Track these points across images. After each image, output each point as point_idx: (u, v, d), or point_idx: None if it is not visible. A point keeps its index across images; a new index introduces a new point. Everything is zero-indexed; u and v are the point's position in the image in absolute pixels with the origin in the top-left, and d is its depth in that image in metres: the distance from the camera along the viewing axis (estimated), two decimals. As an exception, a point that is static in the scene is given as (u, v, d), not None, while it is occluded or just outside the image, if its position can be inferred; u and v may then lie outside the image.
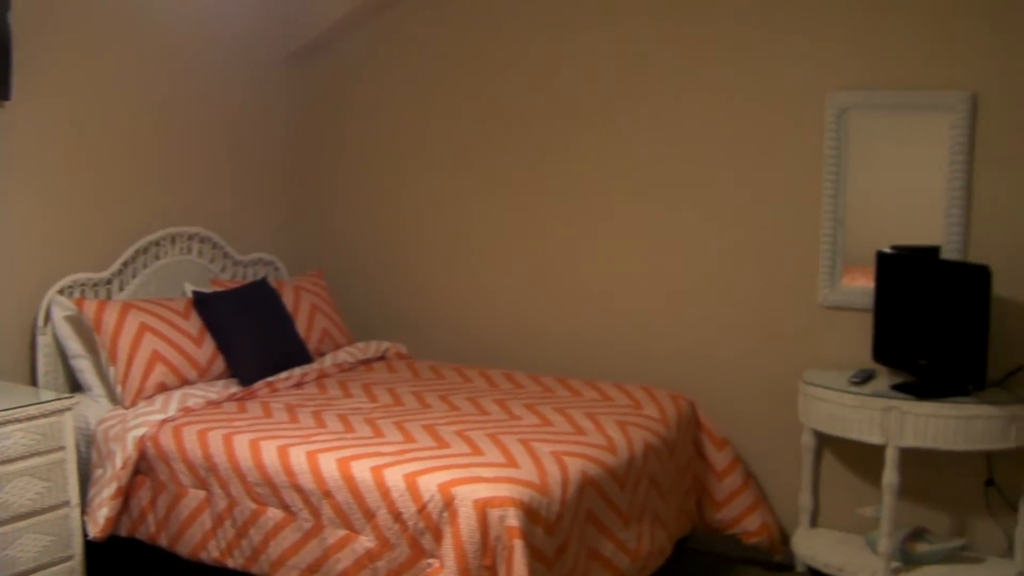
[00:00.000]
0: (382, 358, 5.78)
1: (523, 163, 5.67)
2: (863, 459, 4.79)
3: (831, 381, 4.61)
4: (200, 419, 4.55)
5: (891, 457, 4.39)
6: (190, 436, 4.40)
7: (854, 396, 4.45)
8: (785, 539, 5.00)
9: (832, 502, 4.99)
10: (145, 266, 5.45)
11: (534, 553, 3.58)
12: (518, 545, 3.51)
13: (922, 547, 4.56)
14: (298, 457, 4.06)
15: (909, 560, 4.54)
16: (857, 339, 4.78)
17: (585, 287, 5.56)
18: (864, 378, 4.58)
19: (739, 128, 5.04)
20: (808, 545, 4.83)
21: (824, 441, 4.91)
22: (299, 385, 5.15)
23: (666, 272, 5.31)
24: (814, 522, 5.02)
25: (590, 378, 5.21)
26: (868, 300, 4.71)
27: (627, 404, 4.76)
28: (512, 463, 3.90)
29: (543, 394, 4.95)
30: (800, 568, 4.93)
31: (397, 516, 3.75)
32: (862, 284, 4.80)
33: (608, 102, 5.38)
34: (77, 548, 4.49)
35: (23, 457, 4.27)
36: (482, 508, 3.58)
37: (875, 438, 4.40)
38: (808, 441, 4.87)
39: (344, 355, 5.63)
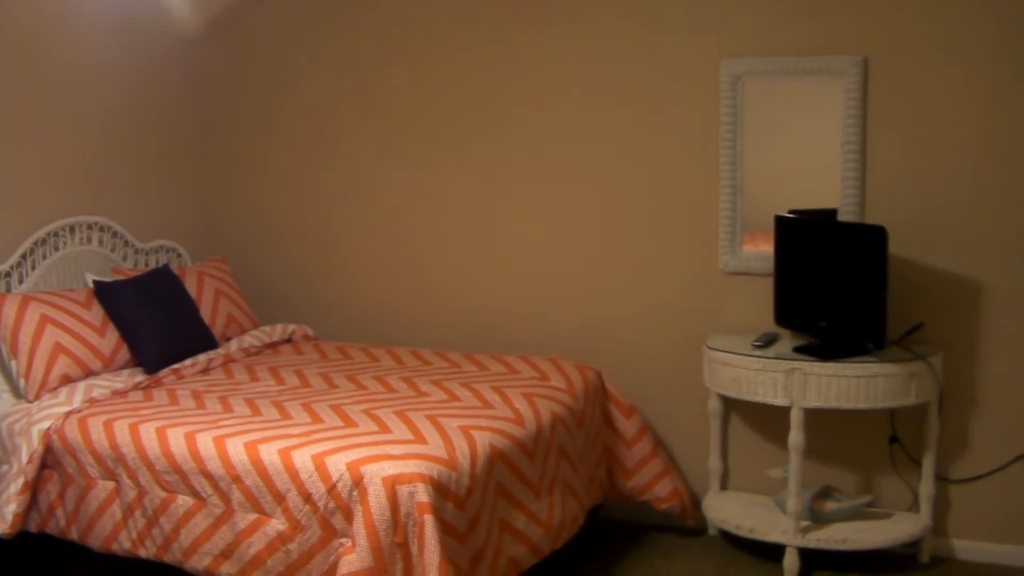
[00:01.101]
0: (289, 340, 5.76)
1: (422, 137, 5.66)
2: (769, 422, 4.86)
3: (734, 346, 4.67)
4: (106, 409, 4.49)
5: (796, 418, 4.46)
6: (96, 427, 4.35)
7: (757, 360, 4.51)
8: (696, 504, 5.07)
9: (741, 465, 5.07)
10: (44, 257, 5.35)
11: (445, 528, 3.60)
12: (429, 520, 3.53)
13: (830, 505, 4.65)
14: (205, 443, 4.03)
15: (818, 519, 4.63)
16: (759, 304, 4.85)
17: (488, 260, 5.58)
18: (767, 342, 4.64)
19: (635, 97, 5.07)
20: (719, 508, 4.89)
21: (731, 405, 4.98)
22: (205, 371, 5.11)
23: (569, 243, 5.33)
24: (724, 485, 5.10)
25: (497, 352, 5.22)
26: (769, 265, 4.78)
27: (533, 376, 4.79)
28: (420, 439, 3.91)
29: (450, 370, 4.97)
30: (712, 531, 5.02)
31: (307, 497, 3.74)
32: (763, 249, 4.86)
33: (503, 72, 5.39)
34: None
35: (-77, 455, 4.22)
36: (391, 485, 3.59)
37: (779, 400, 4.48)
38: (714, 406, 4.94)
39: (250, 339, 5.61)
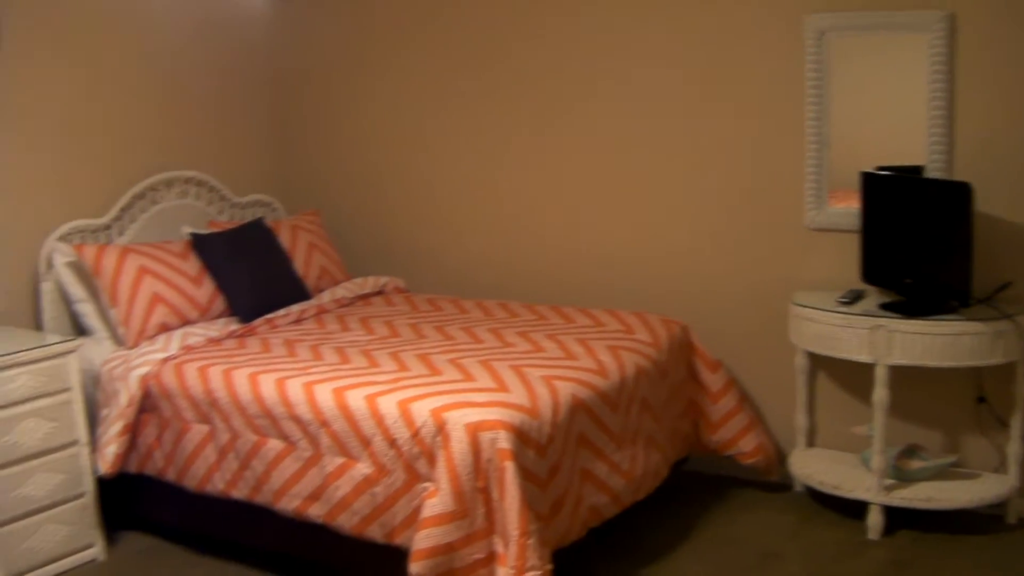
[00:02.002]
0: (381, 293, 5.86)
1: (512, 96, 5.70)
2: (857, 379, 4.82)
3: (820, 302, 4.65)
4: (201, 356, 4.64)
5: (880, 375, 4.44)
6: (191, 373, 4.49)
7: (842, 316, 4.49)
8: (782, 459, 5.07)
9: (828, 422, 5.05)
10: (143, 211, 5.54)
11: (526, 474, 3.68)
12: (509, 467, 3.60)
13: (915, 464, 4.63)
14: (295, 389, 4.15)
15: (902, 477, 4.61)
16: (846, 260, 4.81)
17: (579, 216, 5.61)
18: (853, 298, 4.62)
19: (719, 53, 5.05)
20: (804, 464, 4.89)
21: (817, 362, 4.96)
22: (298, 321, 5.23)
23: (657, 200, 5.34)
24: (811, 442, 5.08)
25: (585, 306, 5.25)
26: (855, 221, 4.74)
27: (619, 329, 4.83)
28: (503, 388, 3.98)
29: (537, 322, 5.02)
30: (797, 488, 5.02)
31: (392, 442, 3.84)
32: (849, 206, 4.83)
33: (590, 27, 5.40)
34: (88, 485, 4.62)
35: (30, 399, 4.40)
36: (473, 431, 3.67)
37: (864, 356, 4.46)
38: (801, 362, 4.93)
39: (342, 291, 5.72)
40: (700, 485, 5.16)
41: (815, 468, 4.84)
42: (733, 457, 4.97)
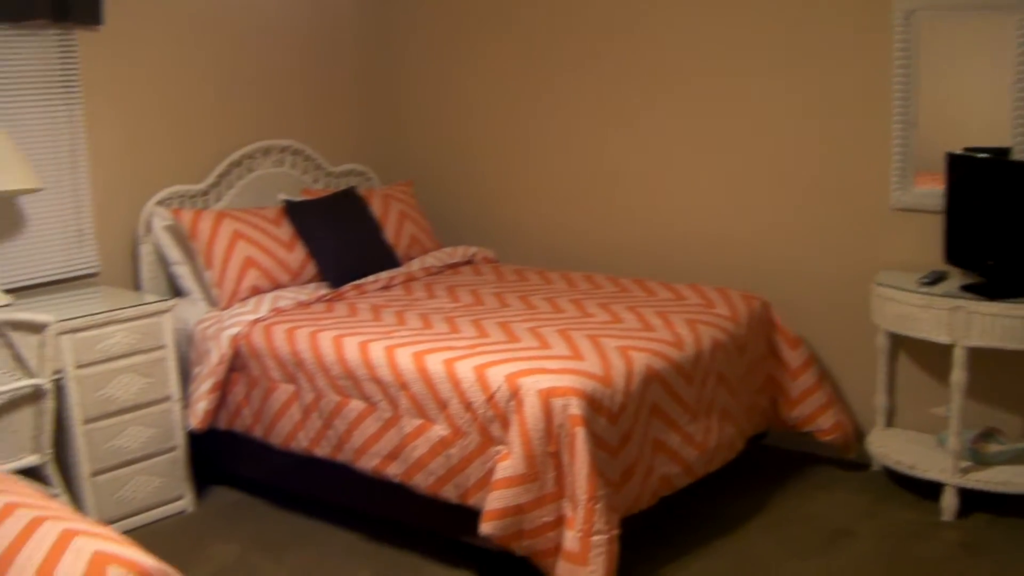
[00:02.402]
0: (469, 262, 5.96)
1: (599, 72, 5.75)
2: (937, 360, 4.79)
3: (901, 282, 4.64)
4: (289, 319, 4.78)
5: (959, 356, 4.43)
6: (279, 334, 4.63)
7: (922, 296, 4.48)
8: (860, 438, 5.08)
9: (908, 402, 5.04)
10: (240, 178, 5.71)
11: (596, 441, 3.75)
12: (580, 432, 3.68)
13: (992, 447, 4.61)
14: (377, 352, 4.27)
15: (979, 460, 4.59)
16: (929, 241, 4.79)
17: (665, 192, 5.64)
18: (935, 279, 4.61)
19: (805, 32, 5.05)
20: (882, 444, 4.90)
21: (899, 342, 4.95)
22: (386, 288, 5.35)
23: (741, 177, 5.36)
24: (890, 422, 5.07)
25: (668, 280, 5.29)
26: (939, 202, 4.72)
27: (699, 303, 4.86)
28: (577, 356, 4.06)
29: (619, 294, 5.08)
30: (876, 467, 5.02)
31: (468, 406, 3.94)
32: (934, 187, 4.80)
33: (685, 10, 5.43)
34: (179, 439, 4.81)
35: (126, 355, 4.59)
36: (546, 397, 3.75)
37: (943, 337, 4.45)
38: (882, 342, 4.92)
39: (432, 259, 5.83)
40: (777, 461, 5.19)
41: (892, 448, 4.84)
42: (811, 434, 4.98)
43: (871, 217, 4.97)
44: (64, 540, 2.36)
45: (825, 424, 4.93)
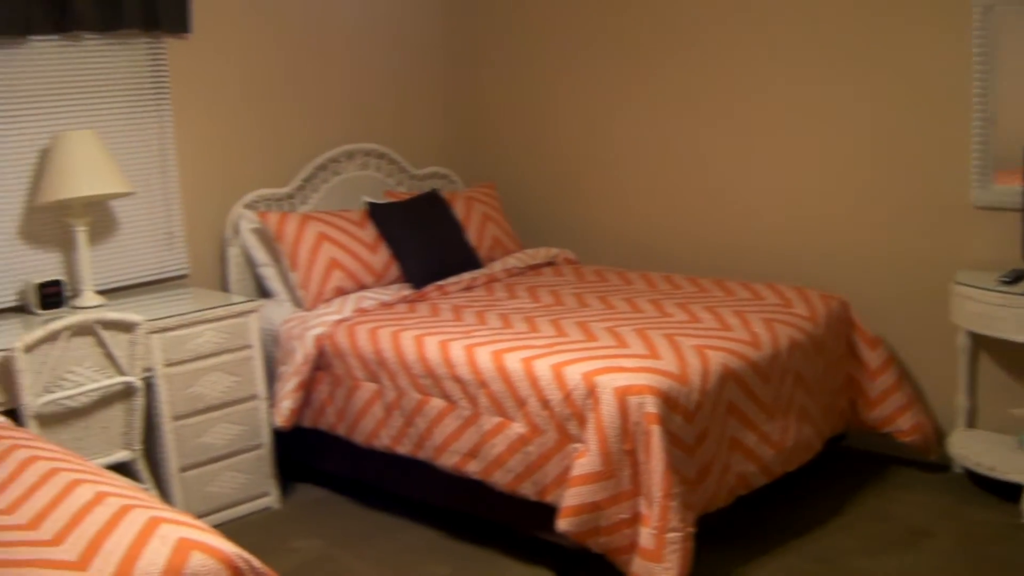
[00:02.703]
0: (551, 264, 6.00)
1: (679, 74, 5.78)
2: (1019, 360, 4.77)
3: (981, 281, 4.61)
4: (372, 319, 4.87)
5: (1040, 356, 4.42)
6: (362, 334, 4.72)
7: (1002, 295, 4.45)
8: (941, 439, 5.05)
9: (990, 403, 4.98)
10: (325, 181, 5.83)
11: (672, 439, 3.79)
12: (656, 431, 3.72)
13: (1073, 449, 4.59)
14: (457, 351, 4.34)
15: (1060, 461, 4.57)
16: (1010, 239, 4.74)
17: (743, 192, 5.66)
18: (1015, 278, 4.56)
19: (880, 26, 5.03)
20: (963, 445, 4.85)
21: (980, 342, 4.91)
22: (468, 289, 5.43)
23: (819, 177, 5.35)
24: (971, 423, 5.03)
25: (747, 280, 5.30)
26: (1019, 200, 4.63)
27: (777, 303, 4.86)
28: (654, 355, 4.10)
29: (698, 294, 5.09)
30: (957, 469, 4.98)
31: (545, 403, 3.99)
32: (1013, 185, 4.76)
33: (758, 5, 5.46)
34: (265, 437, 4.92)
35: (214, 354, 4.71)
36: (622, 395, 3.80)
37: (1022, 337, 4.43)
38: (962, 342, 4.88)
39: (513, 261, 5.89)
40: (857, 462, 5.17)
41: (973, 449, 4.80)
42: (891, 435, 4.95)
43: (950, 215, 4.94)
44: (150, 527, 2.45)
45: (905, 425, 4.91)
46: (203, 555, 2.38)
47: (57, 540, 2.42)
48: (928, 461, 5.05)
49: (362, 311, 5.00)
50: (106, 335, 4.27)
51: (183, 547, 2.38)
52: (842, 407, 4.94)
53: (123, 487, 2.84)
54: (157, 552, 2.35)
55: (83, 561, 2.30)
